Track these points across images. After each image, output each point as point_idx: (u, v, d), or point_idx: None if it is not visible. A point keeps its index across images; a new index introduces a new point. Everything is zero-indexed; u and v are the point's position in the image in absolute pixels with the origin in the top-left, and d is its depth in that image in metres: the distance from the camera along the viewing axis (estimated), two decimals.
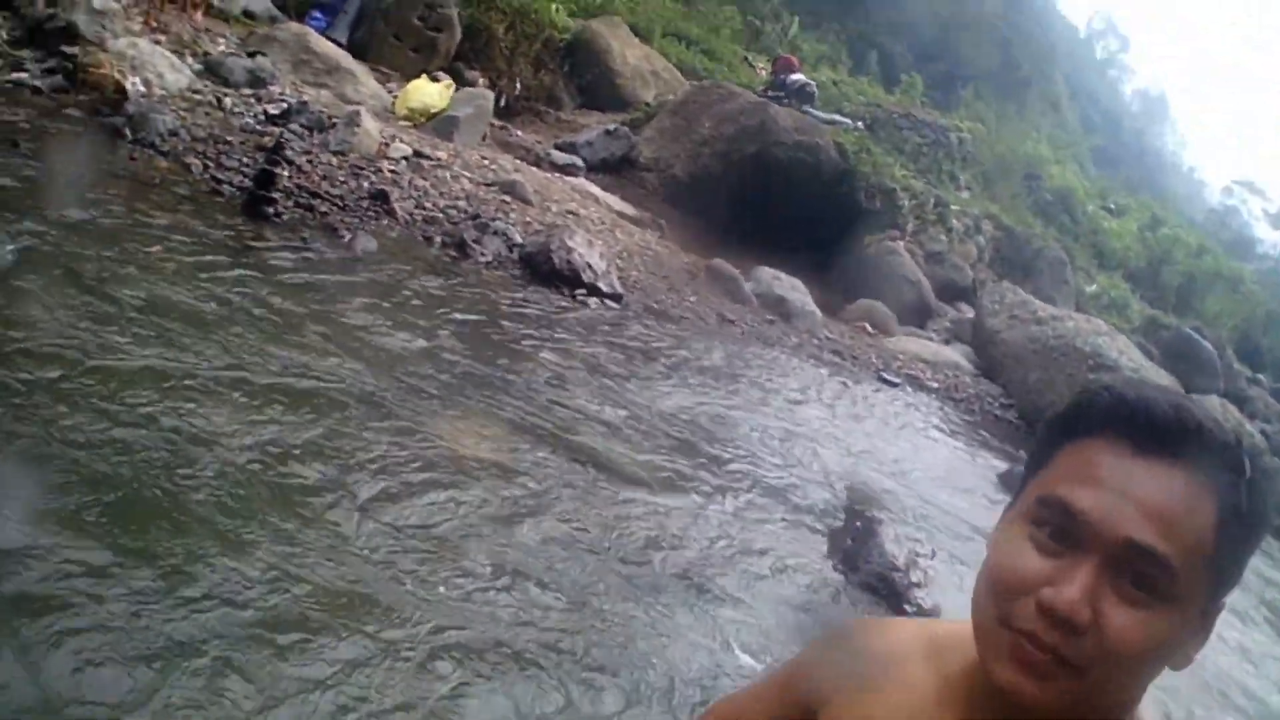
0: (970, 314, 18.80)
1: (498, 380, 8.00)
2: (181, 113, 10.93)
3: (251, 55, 12.86)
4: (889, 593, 7.32)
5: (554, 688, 4.89)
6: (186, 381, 6.09)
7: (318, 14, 15.52)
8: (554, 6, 18.46)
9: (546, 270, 11.13)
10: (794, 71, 21.11)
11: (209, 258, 8.08)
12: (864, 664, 1.70)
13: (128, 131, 10.01)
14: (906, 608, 7.24)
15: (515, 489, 6.50)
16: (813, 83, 21.19)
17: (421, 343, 8.12)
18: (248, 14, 14.49)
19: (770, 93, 19.93)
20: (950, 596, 7.51)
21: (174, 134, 10.33)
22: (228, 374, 6.39)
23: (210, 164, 10.13)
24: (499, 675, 4.79)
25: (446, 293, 9.59)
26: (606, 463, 7.40)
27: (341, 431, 6.27)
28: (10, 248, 6.86)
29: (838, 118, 20.56)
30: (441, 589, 5.22)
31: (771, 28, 26.14)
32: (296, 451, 5.88)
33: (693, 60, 21.69)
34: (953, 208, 21.44)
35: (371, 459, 6.12)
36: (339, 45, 14.50)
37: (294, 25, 14.46)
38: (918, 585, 7.50)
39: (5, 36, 11.03)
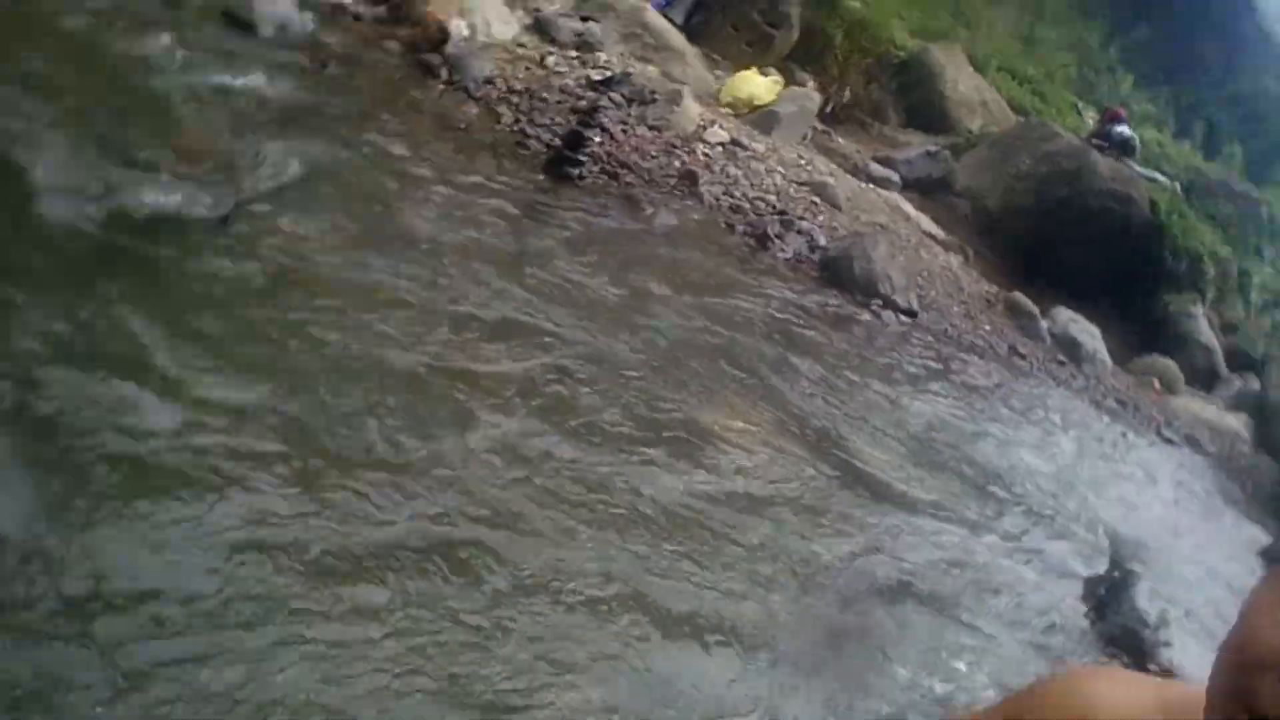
0: (1257, 386, 17.09)
1: (773, 372, 7.44)
2: (502, 63, 10.06)
3: (584, 20, 11.81)
4: (1133, 647, 6.72)
5: (763, 675, 4.56)
6: (427, 310, 5.78)
7: None
8: (895, 23, 16.84)
9: (845, 276, 10.14)
10: (1120, 123, 19.02)
11: (500, 204, 7.60)
12: (1089, 715, 1.39)
13: (443, 72, 9.32)
14: (1150, 666, 6.57)
15: (765, 482, 5.96)
16: (1136, 137, 19.05)
17: (702, 322, 7.56)
18: None
19: (1094, 140, 17.94)
20: (1195, 664, 6.56)
21: (489, 82, 9.57)
22: (479, 312, 6.04)
23: (521, 117, 9.33)
24: (700, 649, 4.49)
25: (739, 281, 8.85)
26: (866, 475, 6.79)
27: (598, 387, 5.91)
28: (299, 160, 6.62)
29: (1157, 175, 18.46)
30: (658, 560, 4.81)
31: (1104, 81, 24.11)
32: (534, 393, 5.56)
33: (1023, 99, 19.82)
34: (1255, 280, 19.08)
35: (622, 419, 5.75)
36: (674, 25, 13.23)
37: None
38: (1165, 644, 6.86)
39: None
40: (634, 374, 6.26)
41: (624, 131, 9.89)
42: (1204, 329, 17.01)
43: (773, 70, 13.58)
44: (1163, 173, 19.02)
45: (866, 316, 9.82)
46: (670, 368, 6.58)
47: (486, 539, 4.37)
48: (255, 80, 7.56)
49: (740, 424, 6.40)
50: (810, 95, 14.00)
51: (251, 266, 5.37)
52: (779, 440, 6.50)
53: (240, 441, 4.20)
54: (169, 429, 4.09)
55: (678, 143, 10.44)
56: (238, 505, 3.91)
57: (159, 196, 5.62)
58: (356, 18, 9.61)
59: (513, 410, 5.32)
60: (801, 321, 8.73)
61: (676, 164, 10.03)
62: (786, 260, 9.81)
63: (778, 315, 8.55)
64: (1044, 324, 13.34)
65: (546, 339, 6.10)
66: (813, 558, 5.52)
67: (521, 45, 10.63)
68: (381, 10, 9.84)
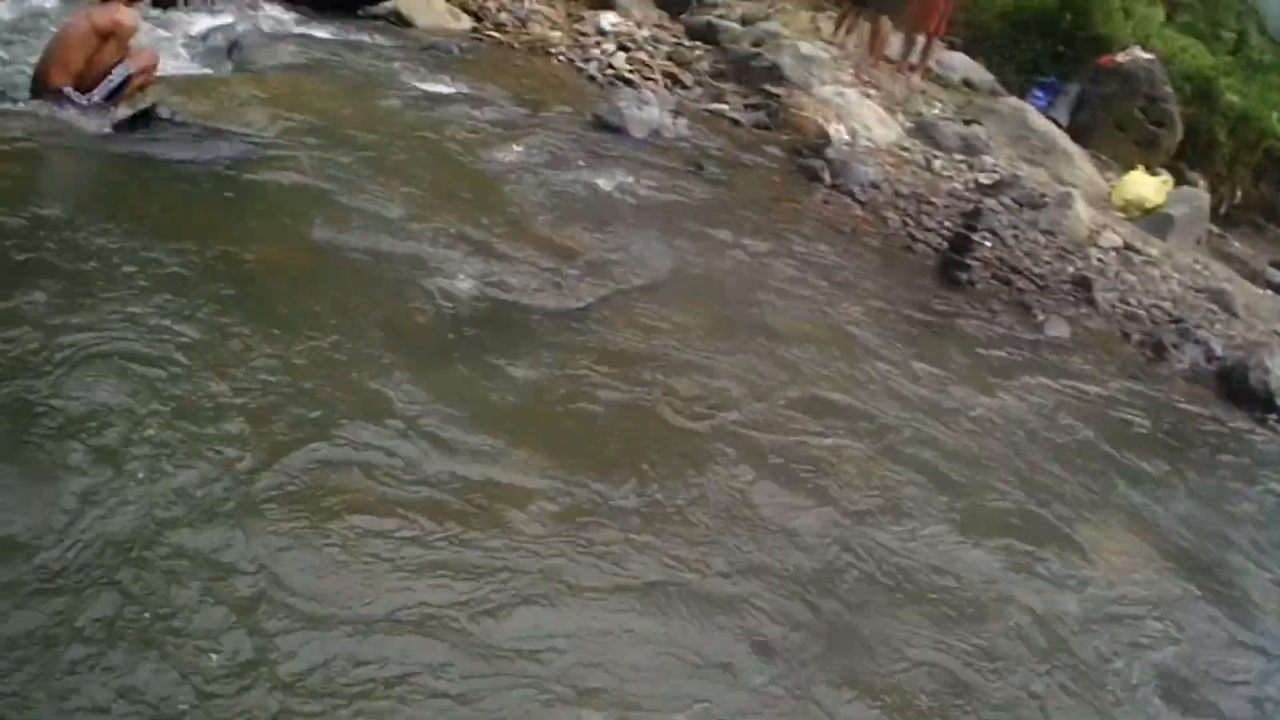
0: None
1: (1158, 496, 6.29)
2: (886, 167, 9.50)
3: (967, 123, 11.17)
4: None
5: None
6: (796, 402, 5.30)
7: (1039, 92, 13.53)
8: (1276, 115, 15.28)
9: (1240, 389, 8.86)
10: None
11: (882, 306, 7.05)
12: None
13: (826, 176, 8.85)
14: None
15: (1125, 604, 4.94)
16: None
17: (1087, 433, 6.54)
18: (967, 83, 12.84)
19: None
20: None
21: (875, 186, 9.00)
22: (851, 405, 5.51)
23: (909, 221, 8.69)
24: None
25: (1131, 394, 7.77)
26: (1241, 606, 5.51)
27: (959, 487, 5.18)
28: (669, 257, 6.38)
29: None
30: (987, 671, 4.04)
31: None
32: (889, 486, 4.95)
33: None
34: None
35: (978, 519, 5.01)
36: (1059, 126, 12.31)
37: (1014, 100, 12.64)
38: None
39: (708, 68, 10.41)
40: (1000, 480, 5.53)
41: (1015, 237, 9.05)
42: None
43: (1161, 170, 12.44)
44: None
45: (1261, 433, 8.59)
46: (1043, 477, 5.77)
47: (804, 614, 3.90)
48: (625, 180, 7.40)
49: (1110, 539, 5.58)
50: (1200, 195, 12.77)
51: (607, 353, 5.12)
52: (1148, 560, 5.62)
53: (579, 505, 3.97)
54: (505, 483, 3.93)
55: (1070, 248, 9.51)
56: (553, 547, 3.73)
57: (522, 287, 5.45)
58: (735, 123, 9.40)
59: (861, 498, 4.79)
60: (1194, 437, 7.76)
61: (1070, 270, 9.11)
62: (1183, 371, 8.72)
63: (1168, 429, 7.59)
64: None
65: (912, 436, 5.48)
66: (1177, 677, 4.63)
67: (905, 149, 10.00)
68: (761, 115, 9.55)
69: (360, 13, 9.79)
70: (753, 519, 4.29)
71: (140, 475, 3.33)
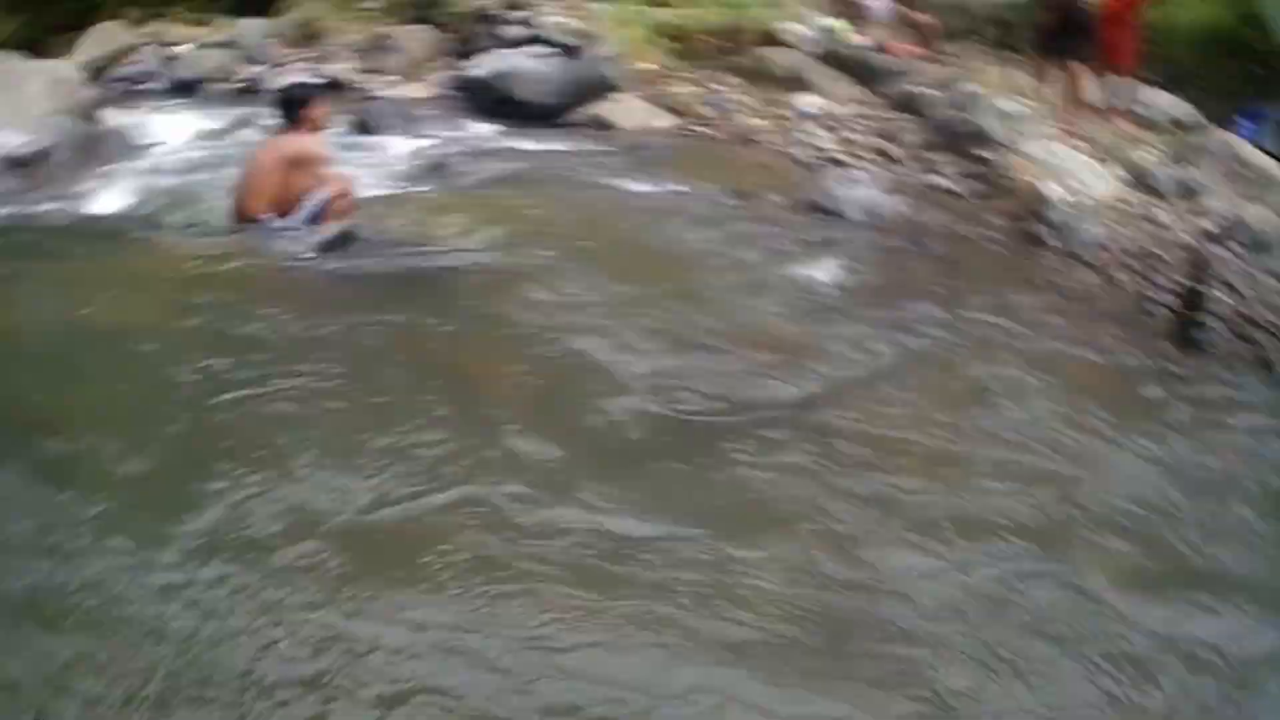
0: None
1: None
2: (1109, 223, 8.84)
3: (1181, 165, 10.36)
4: None
5: None
6: (1001, 478, 4.78)
7: (1245, 121, 12.55)
8: None
9: None
10: None
11: (1112, 376, 6.54)
12: None
13: (1049, 240, 8.36)
14: None
15: None
16: None
17: None
18: (1175, 122, 12.04)
19: None
20: None
21: (1101, 246, 8.39)
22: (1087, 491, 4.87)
23: (1141, 281, 8.09)
24: None
25: None
26: None
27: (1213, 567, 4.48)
28: (892, 341, 6.01)
29: None
30: None
31: None
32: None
33: None
34: None
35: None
36: (1270, 156, 11.43)
37: (1221, 134, 11.64)
38: None
39: (917, 139, 10.04)
40: (1233, 547, 4.81)
41: (1251, 286, 8.27)
42: None
43: None
44: None
45: None
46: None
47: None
48: (841, 264, 7.14)
49: None
50: None
51: (829, 446, 4.73)
52: None
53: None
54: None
55: None
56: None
57: (737, 383, 5.22)
58: (952, 194, 9.06)
59: (1084, 565, 4.27)
60: None
61: None
62: None
63: None
64: None
65: (1140, 505, 4.89)
66: None
67: (1125, 201, 9.38)
68: (976, 183, 9.18)
69: (560, 121, 9.87)
70: (977, 595, 3.95)
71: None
